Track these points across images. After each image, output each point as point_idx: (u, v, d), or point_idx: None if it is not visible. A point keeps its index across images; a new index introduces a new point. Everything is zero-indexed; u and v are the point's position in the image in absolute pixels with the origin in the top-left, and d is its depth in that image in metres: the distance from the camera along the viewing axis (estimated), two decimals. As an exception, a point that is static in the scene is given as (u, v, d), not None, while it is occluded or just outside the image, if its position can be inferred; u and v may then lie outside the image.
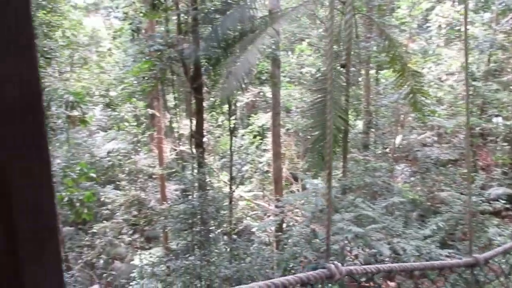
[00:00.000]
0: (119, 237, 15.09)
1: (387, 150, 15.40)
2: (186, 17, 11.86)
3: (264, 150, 16.99)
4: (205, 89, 12.35)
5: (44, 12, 12.67)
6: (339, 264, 2.34)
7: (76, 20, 18.45)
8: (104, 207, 14.67)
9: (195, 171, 11.40)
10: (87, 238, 14.19)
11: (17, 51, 0.63)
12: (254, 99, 18.13)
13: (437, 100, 15.72)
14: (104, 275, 13.15)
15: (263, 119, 17.72)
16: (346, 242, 7.98)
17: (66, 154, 13.93)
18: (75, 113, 13.22)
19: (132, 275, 11.21)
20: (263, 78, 13.44)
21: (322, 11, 15.85)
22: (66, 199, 10.60)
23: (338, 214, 8.20)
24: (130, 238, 15.28)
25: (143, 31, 13.68)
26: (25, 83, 0.64)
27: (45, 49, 12.01)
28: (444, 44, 17.27)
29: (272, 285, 1.94)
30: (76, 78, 17.75)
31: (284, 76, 16.49)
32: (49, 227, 0.69)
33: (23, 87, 0.64)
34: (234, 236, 11.24)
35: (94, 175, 11.41)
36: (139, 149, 16.70)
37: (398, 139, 15.61)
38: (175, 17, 12.31)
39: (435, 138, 16.58)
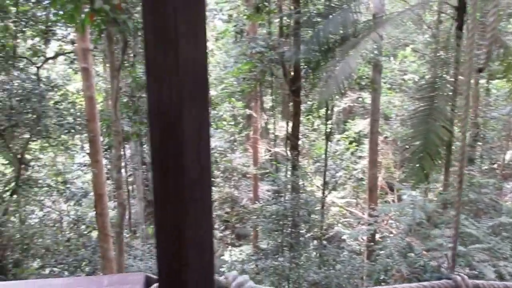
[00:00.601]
0: (212, 231, 15.57)
1: (495, 166, 14.31)
2: (288, 20, 11.97)
3: (360, 157, 16.61)
4: (303, 92, 12.37)
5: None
6: (466, 277, 2.18)
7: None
8: (199, 202, 15.20)
9: (289, 173, 11.45)
10: (181, 230, 14.78)
11: (196, 41, 0.73)
12: (351, 105, 17.81)
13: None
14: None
15: (360, 125, 17.34)
16: (444, 259, 7.54)
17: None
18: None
19: (221, 269, 11.52)
20: (363, 83, 13.18)
21: (429, 16, 15.14)
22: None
23: (437, 229, 7.77)
24: (221, 234, 15.73)
25: (246, 33, 14.02)
26: (199, 68, 0.74)
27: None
28: None
29: (395, 291, 1.91)
30: (180, 77, 18.60)
31: (385, 82, 16.00)
32: (203, 174, 0.78)
33: (199, 71, 0.74)
34: (324, 242, 11.11)
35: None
36: (235, 148, 17.12)
37: (508, 155, 14.46)
38: (277, 20, 12.48)
39: (552, 157, 15.11)
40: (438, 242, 7.29)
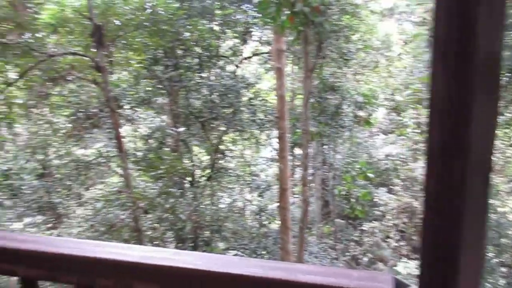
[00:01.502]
0: (386, 240, 15.16)
1: None
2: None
3: None
4: (501, 102, 11.21)
5: (348, 16, 13.52)
6: None
7: (372, 24, 19.04)
8: (376, 208, 14.92)
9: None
10: (356, 234, 14.72)
11: (496, 34, 0.68)
12: None
13: None
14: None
15: None
16: None
17: (347, 151, 14.71)
18: (361, 113, 13.87)
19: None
20: None
21: None
22: (343, 193, 11.33)
23: None
24: (396, 244, 15.18)
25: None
26: (493, 63, 0.69)
27: (344, 51, 12.89)
28: None
29: None
30: (365, 80, 18.45)
31: None
32: (484, 179, 0.74)
33: (493, 65, 0.69)
34: (516, 271, 9.94)
35: (371, 175, 11.77)
36: (418, 157, 16.34)
37: None
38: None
39: None
40: None
